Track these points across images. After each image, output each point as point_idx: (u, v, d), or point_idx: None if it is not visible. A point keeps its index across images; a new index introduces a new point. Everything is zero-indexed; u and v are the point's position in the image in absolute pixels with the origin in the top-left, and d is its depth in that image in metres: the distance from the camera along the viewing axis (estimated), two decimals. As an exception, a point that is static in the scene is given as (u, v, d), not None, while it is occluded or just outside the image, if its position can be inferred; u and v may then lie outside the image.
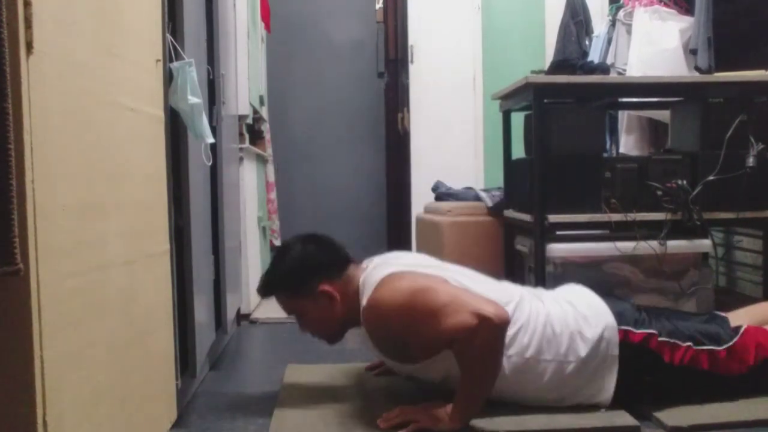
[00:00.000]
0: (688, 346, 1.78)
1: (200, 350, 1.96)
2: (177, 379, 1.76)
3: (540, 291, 1.96)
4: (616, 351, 1.76)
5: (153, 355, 1.59)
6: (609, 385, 1.76)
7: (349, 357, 2.36)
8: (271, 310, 3.31)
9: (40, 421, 1.02)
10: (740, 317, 1.93)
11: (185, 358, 1.87)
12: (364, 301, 1.75)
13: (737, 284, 3.22)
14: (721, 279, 3.30)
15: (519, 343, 1.73)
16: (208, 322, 2.13)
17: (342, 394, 1.95)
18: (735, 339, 1.81)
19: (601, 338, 1.76)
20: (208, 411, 1.89)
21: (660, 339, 1.77)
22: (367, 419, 1.72)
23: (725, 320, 1.91)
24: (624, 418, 1.71)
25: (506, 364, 1.71)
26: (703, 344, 1.79)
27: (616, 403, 1.78)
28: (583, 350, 1.75)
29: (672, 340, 1.78)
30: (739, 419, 1.70)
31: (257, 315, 3.16)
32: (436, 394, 1.78)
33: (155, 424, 1.62)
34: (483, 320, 1.56)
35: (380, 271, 1.77)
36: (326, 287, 1.82)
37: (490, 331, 1.58)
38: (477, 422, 1.66)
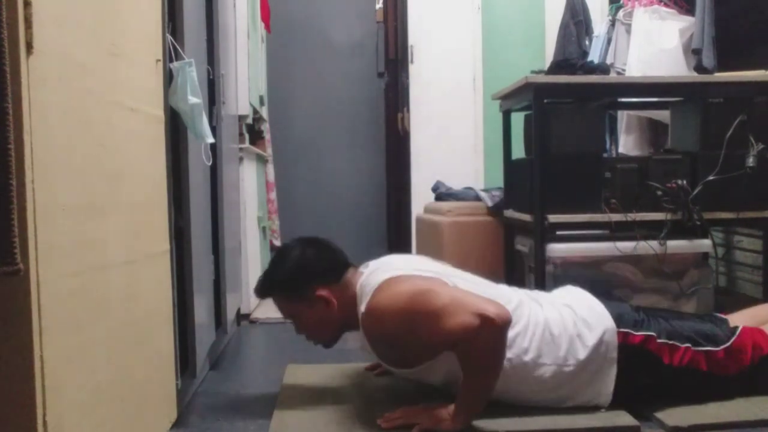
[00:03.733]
0: (687, 347, 1.78)
1: (200, 350, 1.96)
2: (177, 379, 1.76)
3: (538, 294, 1.95)
4: (614, 354, 1.76)
5: (153, 355, 1.59)
6: (608, 388, 1.76)
7: (349, 357, 2.36)
8: (271, 310, 3.31)
9: (40, 421, 1.02)
10: (739, 319, 1.94)
11: (185, 358, 1.86)
12: (362, 307, 1.73)
13: (737, 284, 3.21)
14: (721, 279, 3.30)
15: (518, 347, 1.73)
16: (208, 322, 2.13)
17: (342, 394, 1.95)
18: (732, 339, 1.82)
19: (600, 342, 1.76)
20: (208, 411, 1.89)
21: (659, 341, 1.78)
22: (367, 419, 1.72)
23: (724, 321, 1.91)
24: (624, 418, 1.71)
25: (506, 365, 1.70)
26: (701, 345, 1.80)
27: (616, 403, 1.78)
28: (582, 353, 1.75)
29: (671, 342, 1.78)
30: (739, 419, 1.70)
31: (257, 315, 3.16)
32: (436, 394, 1.78)
33: (155, 424, 1.62)
34: (485, 320, 1.56)
35: (378, 276, 1.76)
36: (323, 292, 1.81)
37: (492, 331, 1.57)
38: (478, 422, 1.66)
